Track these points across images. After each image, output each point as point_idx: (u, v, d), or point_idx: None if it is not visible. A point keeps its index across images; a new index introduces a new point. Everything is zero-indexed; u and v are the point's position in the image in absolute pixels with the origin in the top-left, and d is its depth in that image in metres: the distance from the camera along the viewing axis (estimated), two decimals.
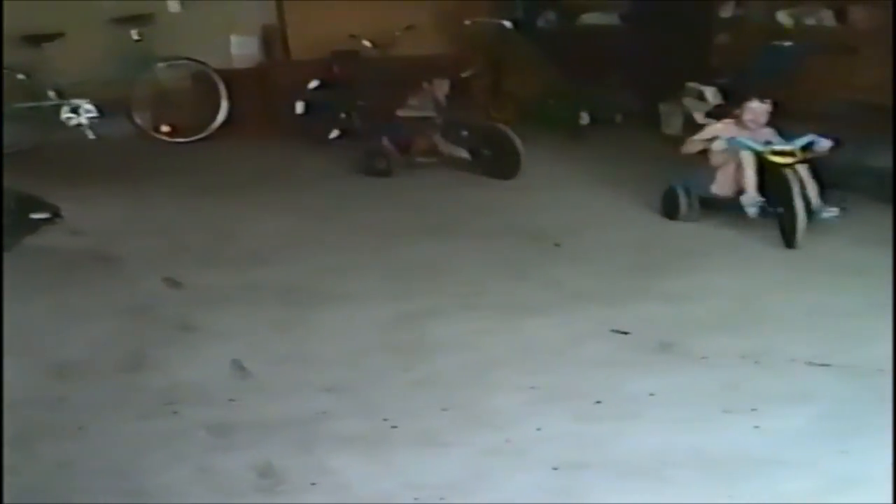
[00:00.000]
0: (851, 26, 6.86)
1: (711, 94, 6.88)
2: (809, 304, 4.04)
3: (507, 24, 8.08)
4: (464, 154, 6.67)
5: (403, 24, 7.76)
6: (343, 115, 7.76)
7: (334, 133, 7.71)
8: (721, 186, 5.32)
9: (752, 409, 3.21)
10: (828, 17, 7.04)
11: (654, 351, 3.72)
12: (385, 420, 3.19)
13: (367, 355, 3.74)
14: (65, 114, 7.48)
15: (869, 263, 4.57)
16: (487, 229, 5.36)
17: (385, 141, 6.73)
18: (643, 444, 3.02)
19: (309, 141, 7.49)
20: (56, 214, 5.03)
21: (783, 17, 7.28)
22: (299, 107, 7.53)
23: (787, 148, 5.02)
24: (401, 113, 6.78)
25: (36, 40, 7.33)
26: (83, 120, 7.49)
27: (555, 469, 2.88)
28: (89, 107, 7.48)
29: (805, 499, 2.72)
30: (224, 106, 7.74)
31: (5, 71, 7.25)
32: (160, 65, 7.69)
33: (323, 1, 7.74)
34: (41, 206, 5.05)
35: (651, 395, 3.35)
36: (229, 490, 2.82)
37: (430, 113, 6.78)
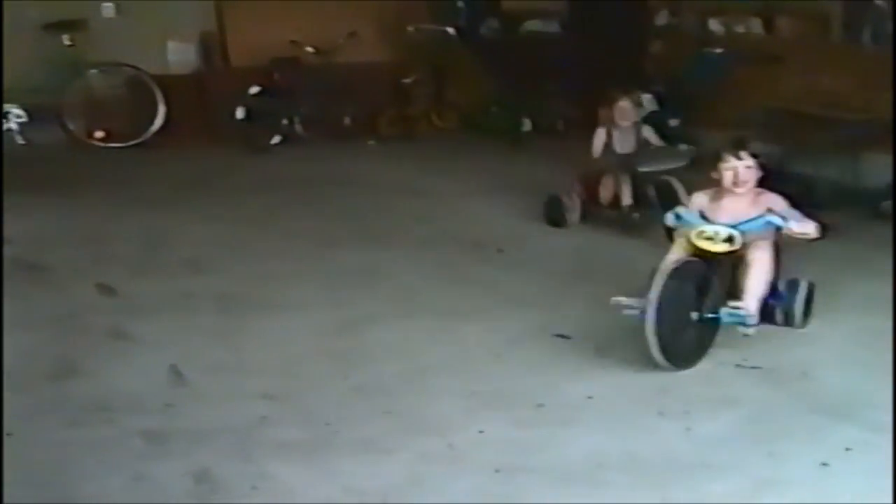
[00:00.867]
0: (778, 36, 7.07)
1: (648, 101, 7.00)
2: None
3: (451, 30, 8.13)
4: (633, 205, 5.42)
5: (346, 31, 7.75)
6: (285, 122, 7.72)
7: (276, 139, 7.66)
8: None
9: (685, 412, 3.26)
10: (756, 26, 7.26)
11: (592, 355, 3.76)
12: (326, 425, 3.17)
13: (305, 362, 3.71)
14: None
15: (793, 267, 4.67)
16: (425, 237, 5.37)
17: (573, 187, 5.56)
18: (580, 448, 3.06)
19: (250, 147, 7.43)
20: None
21: (715, 25, 7.48)
22: (240, 112, 7.46)
23: (721, 232, 3.66)
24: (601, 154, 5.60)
25: None
26: (13, 125, 7.34)
27: (497, 472, 2.90)
28: (19, 112, 7.34)
29: (733, 500, 2.77)
30: (161, 111, 7.65)
31: None
32: (93, 70, 7.57)
33: (263, 7, 7.69)
34: None
35: (589, 398, 3.39)
36: (165, 497, 2.78)
37: (629, 149, 5.58)
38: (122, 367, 3.64)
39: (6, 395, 3.38)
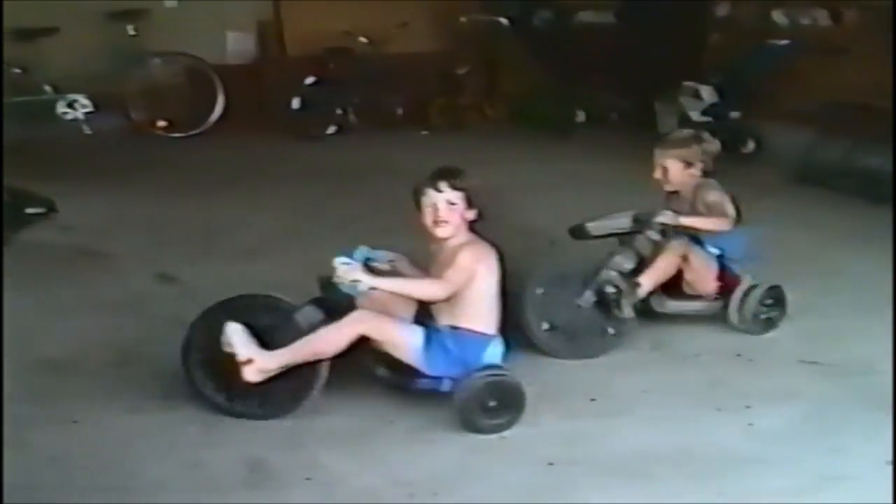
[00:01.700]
0: (845, 27, 6.89)
1: (707, 93, 6.89)
2: (797, 304, 4.05)
3: (503, 20, 8.09)
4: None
5: (398, 21, 7.76)
6: (339, 112, 7.77)
7: (331, 129, 7.72)
8: None
9: (744, 407, 3.22)
10: (823, 17, 7.07)
11: (647, 349, 3.73)
12: (377, 415, 3.19)
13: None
14: (61, 108, 7.47)
15: (856, 263, 4.58)
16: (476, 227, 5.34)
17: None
18: (634, 442, 3.03)
19: (305, 137, 7.49)
20: (51, 209, 5.02)
21: (778, 17, 7.31)
22: (295, 102, 7.53)
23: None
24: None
25: (31, 34, 7.31)
26: (79, 114, 7.48)
27: (550, 465, 2.89)
28: (85, 101, 7.47)
29: (792, 497, 2.72)
30: (220, 101, 7.74)
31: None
32: (155, 60, 7.68)
33: None
34: (36, 201, 5.04)
35: (643, 392, 3.36)
36: (220, 485, 2.82)
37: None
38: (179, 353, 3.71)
39: (72, 380, 3.47)
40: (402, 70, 7.62)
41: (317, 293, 3.21)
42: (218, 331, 3.09)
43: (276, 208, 5.76)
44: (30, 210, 4.98)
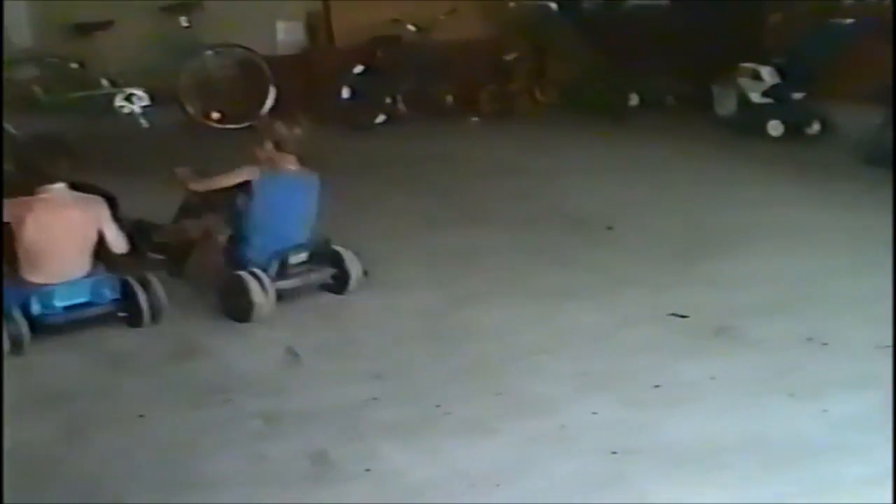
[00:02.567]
0: None
1: (768, 74, 6.71)
2: (872, 288, 3.92)
3: (552, 5, 7.98)
4: None
5: (446, 8, 7.70)
6: (388, 100, 7.74)
7: (380, 118, 7.69)
8: None
9: (818, 394, 3.13)
10: None
11: (711, 335, 3.64)
12: (436, 406, 3.16)
13: (411, 342, 3.71)
14: (118, 102, 7.55)
15: None
16: (529, 215, 5.27)
17: None
18: (701, 430, 2.96)
19: (355, 126, 7.47)
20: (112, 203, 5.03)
21: None
22: (345, 92, 7.51)
23: None
24: None
25: (87, 29, 7.39)
26: (136, 108, 7.54)
27: (612, 454, 2.84)
28: (142, 95, 7.52)
29: (871, 485, 2.63)
30: (272, 92, 7.75)
31: (59, 61, 7.32)
32: (208, 52, 7.72)
33: None
34: (96, 195, 5.05)
35: (711, 378, 3.28)
36: (284, 477, 2.82)
37: None
38: (239, 348, 3.72)
39: (134, 377, 3.51)
40: (450, 57, 7.55)
41: None
42: None
43: (326, 199, 5.75)
44: None
